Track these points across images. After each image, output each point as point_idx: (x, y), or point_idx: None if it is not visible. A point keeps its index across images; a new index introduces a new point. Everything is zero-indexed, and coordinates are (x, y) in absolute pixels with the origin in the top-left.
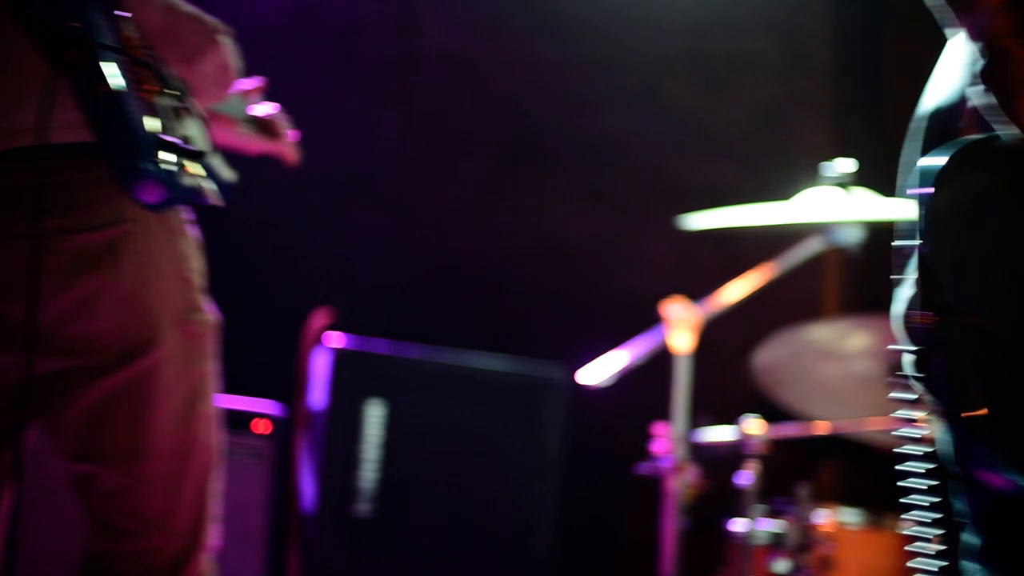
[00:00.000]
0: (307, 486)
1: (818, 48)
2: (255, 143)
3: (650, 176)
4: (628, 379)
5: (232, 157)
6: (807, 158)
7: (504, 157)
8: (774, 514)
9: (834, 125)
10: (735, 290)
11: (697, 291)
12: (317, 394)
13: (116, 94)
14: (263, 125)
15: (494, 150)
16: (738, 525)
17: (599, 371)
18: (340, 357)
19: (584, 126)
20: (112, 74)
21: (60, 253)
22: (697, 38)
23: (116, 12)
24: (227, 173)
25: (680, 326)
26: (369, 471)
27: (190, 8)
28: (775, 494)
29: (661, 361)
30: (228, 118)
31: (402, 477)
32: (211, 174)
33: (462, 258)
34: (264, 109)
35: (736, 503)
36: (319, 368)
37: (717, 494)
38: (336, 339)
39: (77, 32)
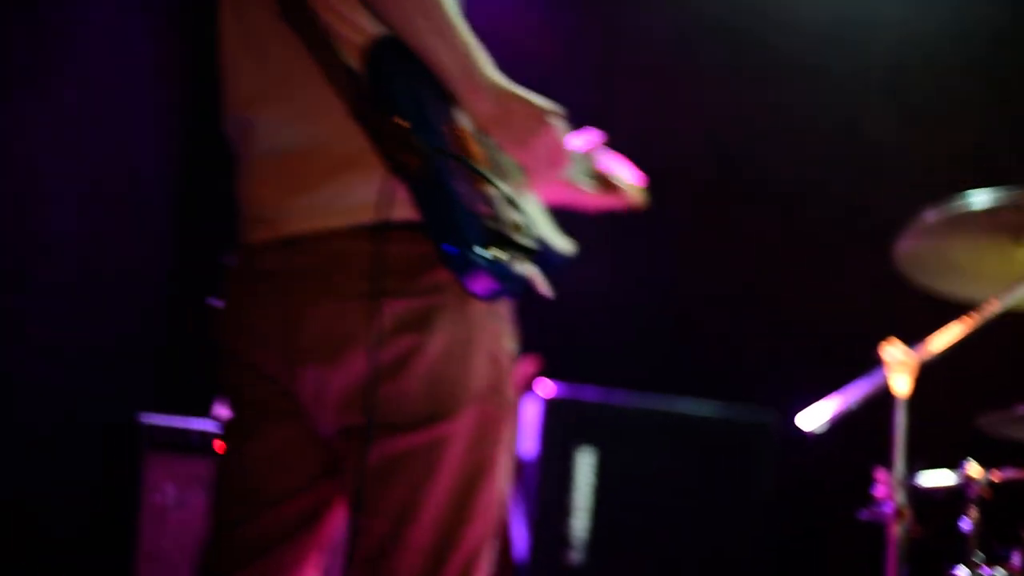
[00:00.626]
0: (519, 534)
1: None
2: (598, 200)
3: (854, 213)
4: (844, 424)
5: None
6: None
7: (708, 195)
8: (997, 560)
9: None
10: (953, 331)
11: (913, 332)
12: (528, 442)
13: (449, 196)
14: (604, 180)
15: (697, 188)
16: (962, 572)
17: (814, 416)
18: (550, 405)
19: (786, 163)
20: (445, 179)
21: (382, 316)
22: (898, 73)
23: (450, 103)
24: (564, 245)
25: (898, 369)
26: (580, 519)
27: (520, 91)
28: (998, 539)
29: (878, 405)
30: (569, 182)
31: (614, 525)
32: (546, 255)
33: (668, 301)
34: (604, 163)
35: (959, 549)
36: (529, 416)
37: (938, 540)
38: (545, 387)
39: (413, 137)
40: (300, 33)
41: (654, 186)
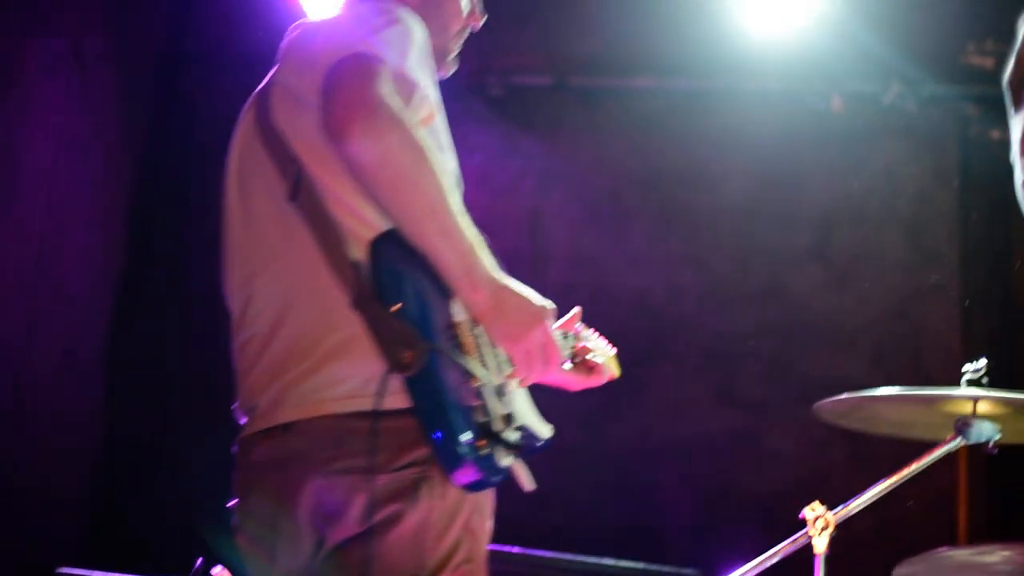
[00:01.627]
0: None
1: (944, 241)
2: (578, 380)
3: (780, 371)
4: None
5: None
6: (936, 352)
7: (634, 353)
8: None
9: (962, 318)
10: (871, 490)
11: (832, 490)
12: None
13: (440, 388)
14: (584, 361)
15: (623, 345)
16: None
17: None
18: None
19: (713, 322)
20: (437, 372)
21: (375, 488)
22: (824, 232)
23: (448, 296)
24: (545, 431)
25: (816, 526)
26: None
27: (519, 289)
28: None
29: (797, 563)
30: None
31: None
32: (528, 442)
33: (592, 459)
34: (583, 344)
35: None
36: None
37: None
38: None
39: (411, 330)
40: (308, 220)
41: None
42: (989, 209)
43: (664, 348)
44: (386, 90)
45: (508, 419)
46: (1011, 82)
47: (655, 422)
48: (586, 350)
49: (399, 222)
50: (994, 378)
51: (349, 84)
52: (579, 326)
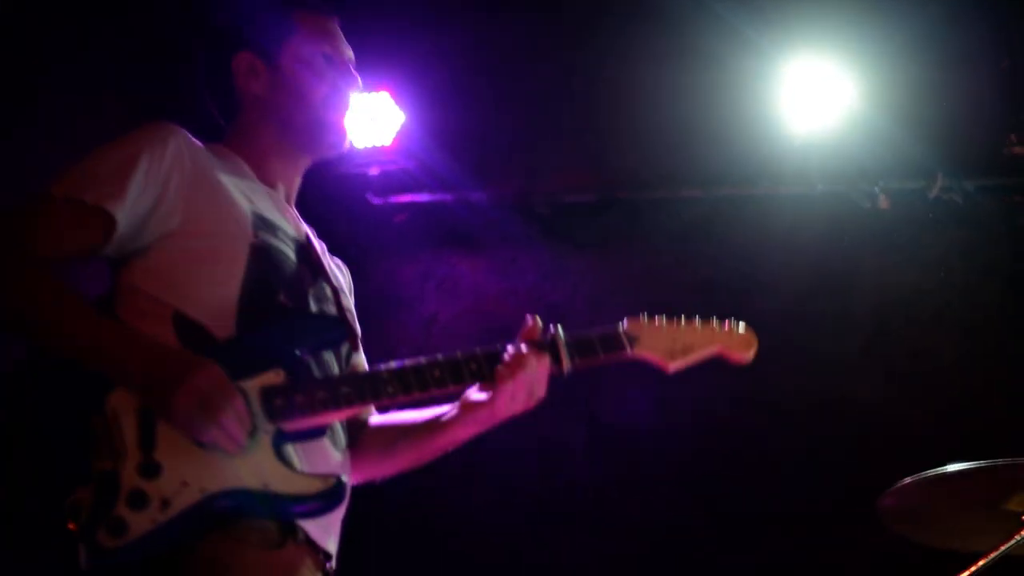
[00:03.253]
0: None
1: (999, 334)
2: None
3: (842, 477)
4: None
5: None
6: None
7: (702, 466)
8: None
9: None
10: None
11: None
12: None
13: None
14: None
15: (684, 459)
16: None
17: None
18: None
19: (772, 432)
20: None
21: None
22: (878, 331)
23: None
24: (302, 484)
25: None
26: None
27: (163, 355)
28: None
29: None
30: None
31: None
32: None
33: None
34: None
35: None
36: None
37: None
38: None
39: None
40: None
41: (645, 456)
42: None
43: (730, 459)
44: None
45: (136, 497)
46: None
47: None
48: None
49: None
50: None
51: None
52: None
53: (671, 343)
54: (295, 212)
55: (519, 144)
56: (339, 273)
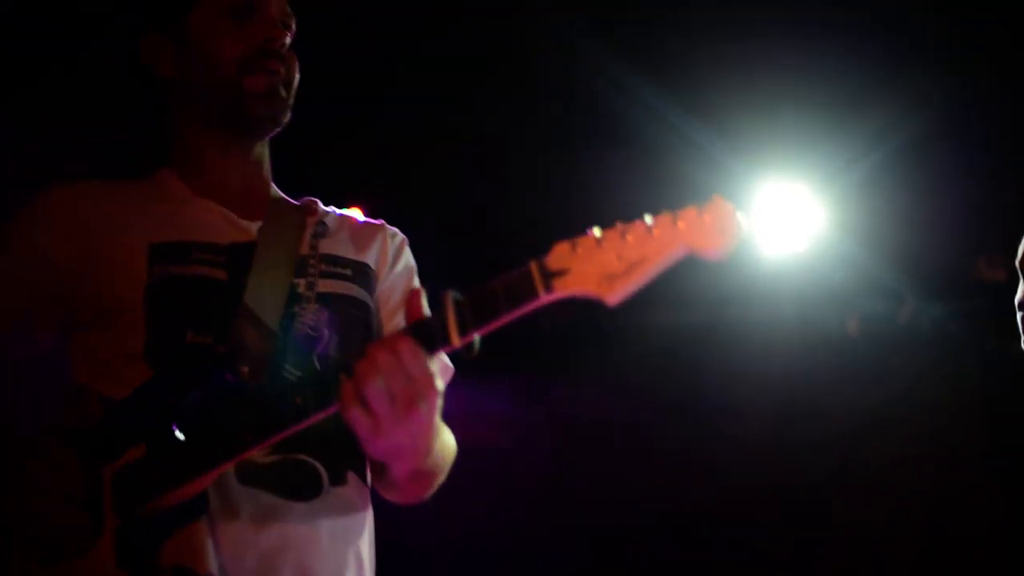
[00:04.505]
0: None
1: (973, 456)
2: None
3: None
4: None
5: None
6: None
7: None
8: None
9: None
10: None
11: None
12: None
13: None
14: None
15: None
16: None
17: None
18: None
19: (751, 550)
20: None
21: None
22: (851, 454)
23: None
24: None
25: None
26: None
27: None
28: None
29: None
30: None
31: None
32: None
33: None
34: None
35: None
36: None
37: None
38: None
39: None
40: None
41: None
42: (1015, 421)
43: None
44: None
45: None
46: (1021, 264)
47: None
48: None
49: None
50: None
51: None
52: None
53: (611, 263)
54: (266, 210)
55: None
56: (351, 247)
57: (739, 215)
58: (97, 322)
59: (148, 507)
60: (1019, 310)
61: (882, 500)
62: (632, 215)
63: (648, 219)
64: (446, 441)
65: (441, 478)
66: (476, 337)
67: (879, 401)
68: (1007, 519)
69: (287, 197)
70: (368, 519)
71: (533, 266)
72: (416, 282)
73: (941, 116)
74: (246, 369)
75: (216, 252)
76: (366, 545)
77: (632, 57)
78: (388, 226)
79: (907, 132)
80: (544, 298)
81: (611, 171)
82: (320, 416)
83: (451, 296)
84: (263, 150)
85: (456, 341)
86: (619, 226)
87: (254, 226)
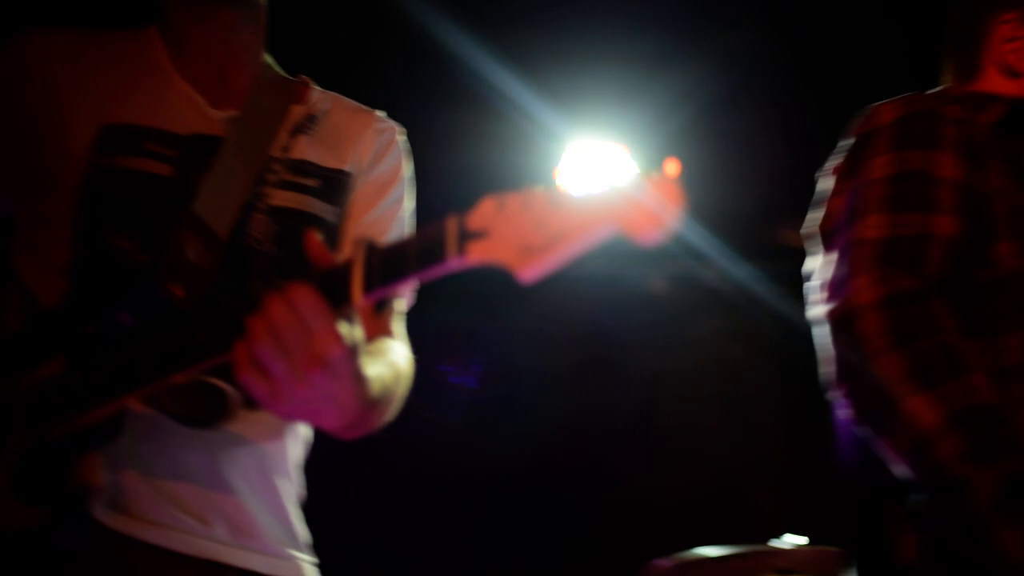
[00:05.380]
0: None
1: (766, 415)
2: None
3: (607, 549)
4: None
5: None
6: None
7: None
8: None
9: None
10: None
11: None
12: None
13: None
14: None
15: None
16: None
17: None
18: None
19: (539, 501)
20: None
21: None
22: (647, 409)
23: None
24: None
25: None
26: None
27: None
28: None
29: None
30: None
31: None
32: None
33: None
34: None
35: None
36: None
37: None
38: None
39: None
40: None
41: None
42: (809, 383)
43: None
44: None
45: None
46: (822, 229)
47: None
48: None
49: None
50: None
51: None
52: None
53: (532, 233)
54: (247, 95)
55: None
56: (331, 147)
57: (684, 197)
58: (33, 198)
59: (57, 429)
60: (804, 280)
61: (676, 455)
62: (445, 171)
63: (580, 189)
64: (393, 365)
65: (392, 409)
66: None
67: (679, 358)
68: (795, 474)
69: (285, 76)
70: (290, 447)
71: (451, 223)
72: (402, 190)
73: (754, 75)
74: (180, 287)
75: (172, 145)
76: (286, 475)
77: (447, 13)
78: (380, 117)
79: (717, 92)
80: (454, 262)
81: (421, 125)
82: (219, 361)
83: (365, 244)
84: (252, 29)
85: (358, 300)
86: (547, 190)
87: (226, 117)
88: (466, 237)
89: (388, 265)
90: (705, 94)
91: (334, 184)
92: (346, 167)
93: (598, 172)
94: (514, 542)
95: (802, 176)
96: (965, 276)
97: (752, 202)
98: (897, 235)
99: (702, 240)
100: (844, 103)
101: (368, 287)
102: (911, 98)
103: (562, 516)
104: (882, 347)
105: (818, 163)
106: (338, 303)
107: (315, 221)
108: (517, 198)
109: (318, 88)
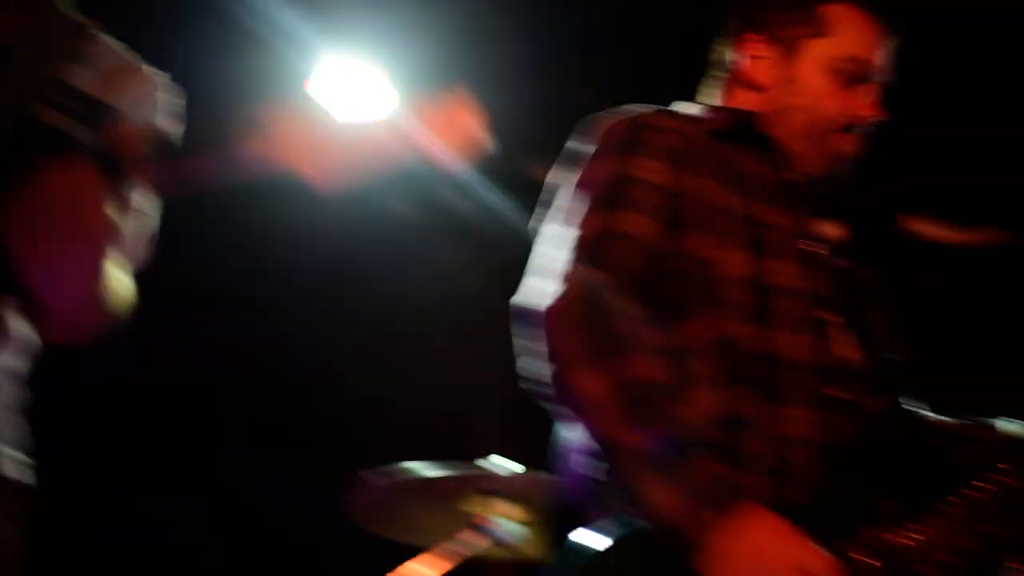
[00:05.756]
0: None
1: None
2: None
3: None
4: None
5: None
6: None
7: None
8: None
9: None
10: None
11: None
12: None
13: None
14: None
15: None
16: None
17: None
18: None
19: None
20: None
21: None
22: (380, 330)
23: None
24: None
25: None
26: None
27: None
28: None
29: None
30: None
31: None
32: None
33: None
34: None
35: None
36: None
37: None
38: None
39: None
40: None
41: None
42: None
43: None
44: None
45: None
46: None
47: None
48: None
49: None
50: None
51: None
52: None
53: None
54: None
55: None
56: None
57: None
58: None
59: None
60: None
61: (400, 378)
62: (187, 78)
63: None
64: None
65: None
66: None
67: (412, 283)
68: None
69: None
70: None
71: None
72: None
73: (522, 11)
74: None
75: None
76: None
77: None
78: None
79: (479, 20)
80: None
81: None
82: None
83: None
84: None
85: None
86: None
87: None
88: None
89: None
90: (472, 29)
91: None
92: None
93: (356, 95)
94: (237, 447)
95: (561, 112)
96: (659, 268)
97: (506, 135)
98: (596, 233)
99: (458, 168)
100: (609, 51)
101: None
102: (630, 109)
103: (287, 429)
104: (564, 332)
105: (575, 102)
106: None
107: None
108: None
109: None
